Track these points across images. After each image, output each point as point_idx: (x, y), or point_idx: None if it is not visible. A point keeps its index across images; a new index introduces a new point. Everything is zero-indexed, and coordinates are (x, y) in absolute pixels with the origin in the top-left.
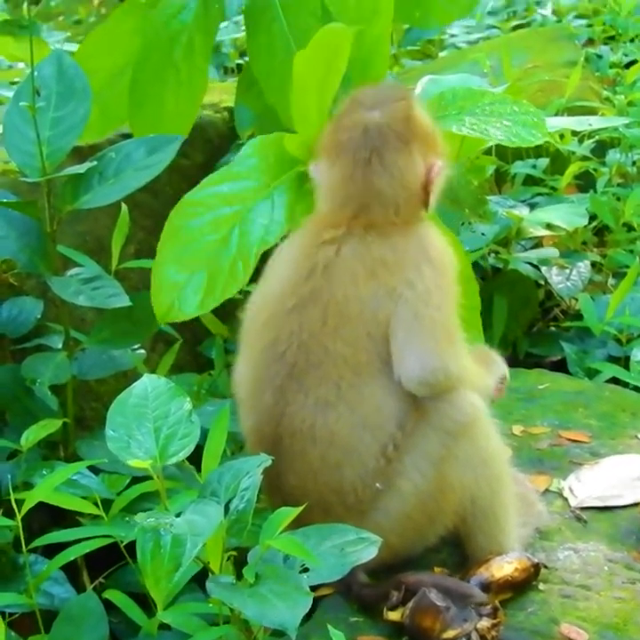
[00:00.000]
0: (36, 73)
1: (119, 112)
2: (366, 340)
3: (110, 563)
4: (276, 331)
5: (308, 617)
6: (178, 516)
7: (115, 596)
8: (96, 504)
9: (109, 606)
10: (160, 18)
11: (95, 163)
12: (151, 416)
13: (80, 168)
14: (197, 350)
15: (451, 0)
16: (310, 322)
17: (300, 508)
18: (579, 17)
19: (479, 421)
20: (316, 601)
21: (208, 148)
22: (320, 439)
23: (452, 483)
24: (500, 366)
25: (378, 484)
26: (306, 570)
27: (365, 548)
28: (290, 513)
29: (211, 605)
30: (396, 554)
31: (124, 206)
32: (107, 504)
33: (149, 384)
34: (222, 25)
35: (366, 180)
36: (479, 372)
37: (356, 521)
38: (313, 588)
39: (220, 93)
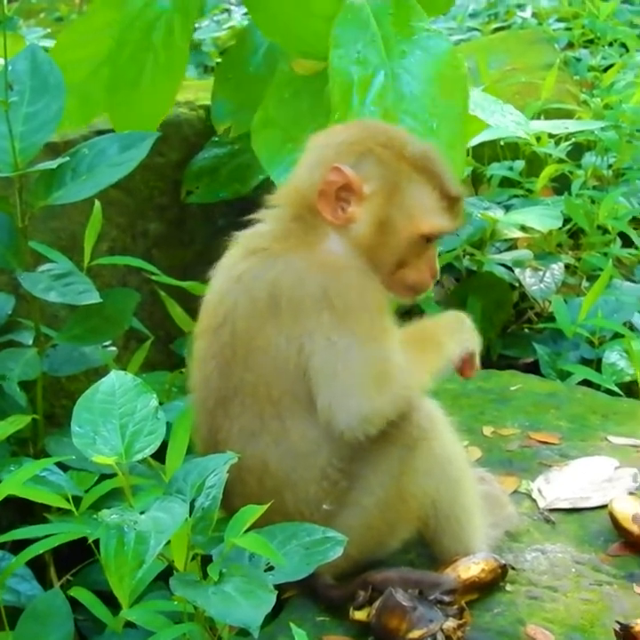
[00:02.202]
0: (9, 68)
1: (99, 102)
2: (275, 375)
3: (79, 561)
4: (204, 348)
5: (274, 617)
6: (142, 513)
7: (80, 593)
8: (67, 500)
9: (77, 604)
10: (138, 3)
11: (68, 158)
12: (117, 412)
13: (52, 164)
14: (170, 348)
15: (428, 2)
16: (224, 347)
17: (265, 507)
18: (559, 20)
19: (437, 431)
20: (283, 601)
21: (183, 145)
22: (253, 467)
23: (413, 492)
24: (467, 337)
25: (325, 506)
26: (271, 568)
27: (330, 548)
28: (255, 511)
29: (176, 603)
30: (357, 563)
31: (97, 203)
32: (76, 501)
33: (116, 380)
34: (203, 23)
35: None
36: (426, 357)
37: None
38: (280, 589)
39: (197, 91)
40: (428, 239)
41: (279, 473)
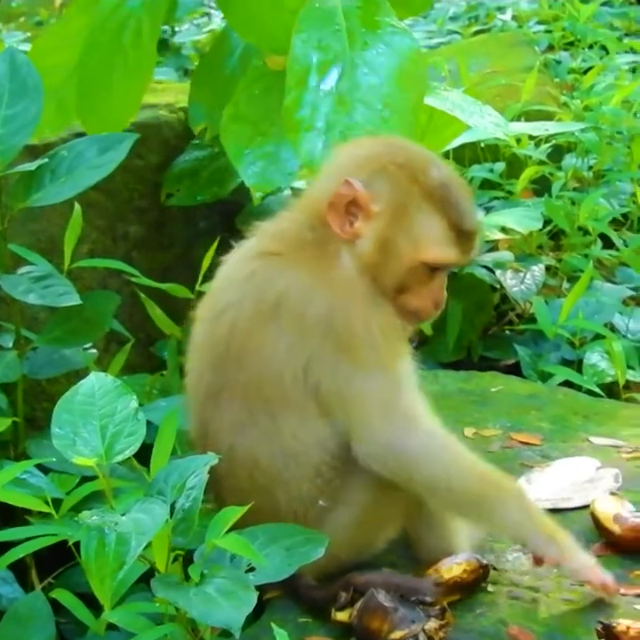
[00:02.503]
0: None
1: (74, 106)
2: (267, 378)
3: (61, 563)
4: (201, 335)
5: (256, 618)
6: (123, 514)
7: (62, 595)
8: (46, 503)
9: (59, 607)
10: (108, 4)
11: (46, 160)
12: (97, 414)
13: (31, 165)
14: (151, 351)
15: (405, 2)
16: (220, 340)
17: (247, 507)
18: (539, 23)
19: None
20: (265, 602)
21: (163, 148)
22: (243, 462)
23: (400, 492)
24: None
25: (321, 502)
26: (252, 569)
27: (312, 549)
28: (236, 511)
29: (158, 605)
30: (341, 564)
31: (77, 206)
32: (57, 504)
33: (96, 382)
34: (183, 27)
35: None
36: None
37: None
38: (262, 590)
39: (176, 94)
40: (433, 268)
41: (270, 469)
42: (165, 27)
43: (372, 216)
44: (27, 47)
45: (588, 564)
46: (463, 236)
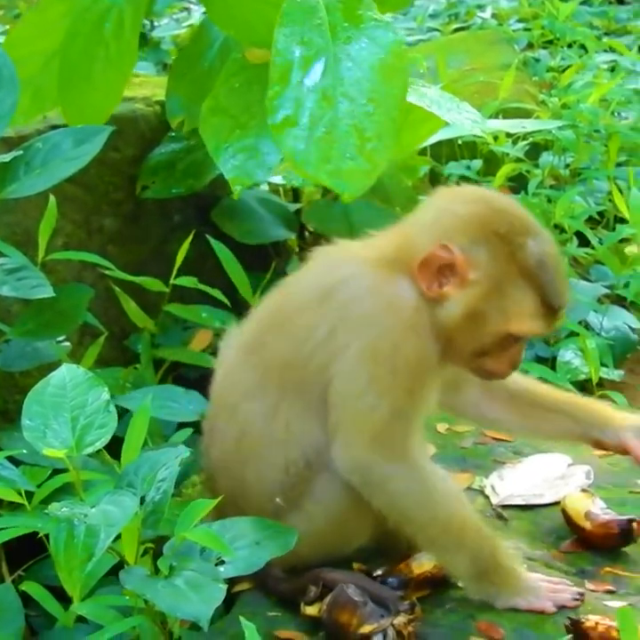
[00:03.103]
0: None
1: (51, 96)
2: (294, 356)
3: (31, 556)
4: (265, 300)
5: (227, 611)
6: (93, 506)
7: (32, 588)
8: (20, 494)
9: (29, 599)
10: None
11: (21, 152)
12: (68, 406)
13: (5, 157)
14: (125, 344)
15: None
16: (274, 304)
17: (216, 501)
18: (519, 21)
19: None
20: (235, 596)
21: (140, 141)
22: (238, 426)
23: (368, 507)
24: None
25: (277, 499)
26: (222, 562)
27: (282, 542)
28: (206, 505)
29: (127, 598)
30: (307, 562)
31: (51, 198)
32: (28, 496)
33: (67, 374)
34: (163, 21)
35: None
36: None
37: None
38: (233, 583)
39: (153, 88)
40: (517, 338)
41: (254, 443)
42: (145, 21)
43: (467, 284)
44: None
45: (534, 603)
46: (553, 310)
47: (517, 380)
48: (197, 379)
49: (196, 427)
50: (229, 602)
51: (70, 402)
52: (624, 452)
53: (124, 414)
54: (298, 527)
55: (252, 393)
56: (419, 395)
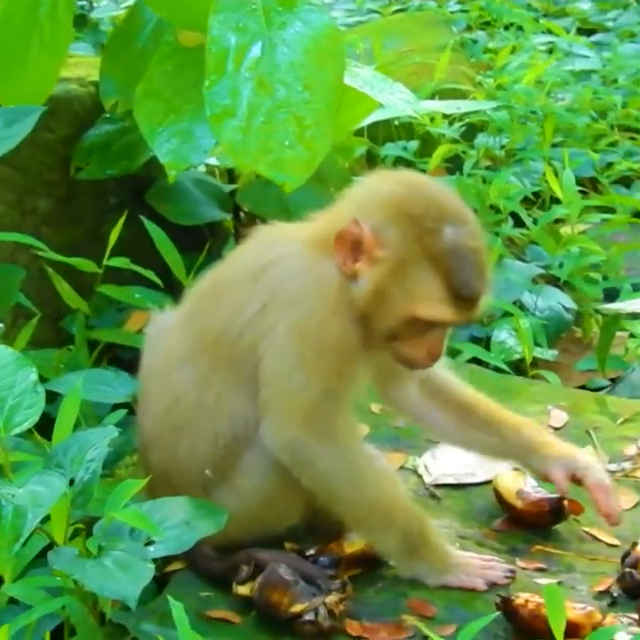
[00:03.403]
0: None
1: None
2: (229, 333)
3: None
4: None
5: (159, 592)
6: (21, 487)
7: None
8: None
9: None
10: None
11: None
12: None
13: None
14: (59, 326)
15: None
16: (210, 280)
17: (145, 480)
18: (458, 3)
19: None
20: (169, 576)
21: (73, 122)
22: (171, 393)
23: (298, 485)
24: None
25: (207, 471)
26: (152, 542)
27: (213, 521)
28: (135, 484)
29: (58, 579)
30: (237, 541)
31: None
32: None
33: None
34: (101, 3)
35: None
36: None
37: None
38: (166, 564)
39: (88, 68)
40: (428, 323)
41: (185, 412)
42: (83, 2)
43: (375, 261)
44: None
45: (465, 580)
46: (461, 299)
47: (463, 390)
48: (132, 360)
49: (130, 408)
50: (163, 582)
51: None
52: (548, 481)
53: (58, 396)
54: (227, 504)
55: (184, 360)
56: (347, 376)
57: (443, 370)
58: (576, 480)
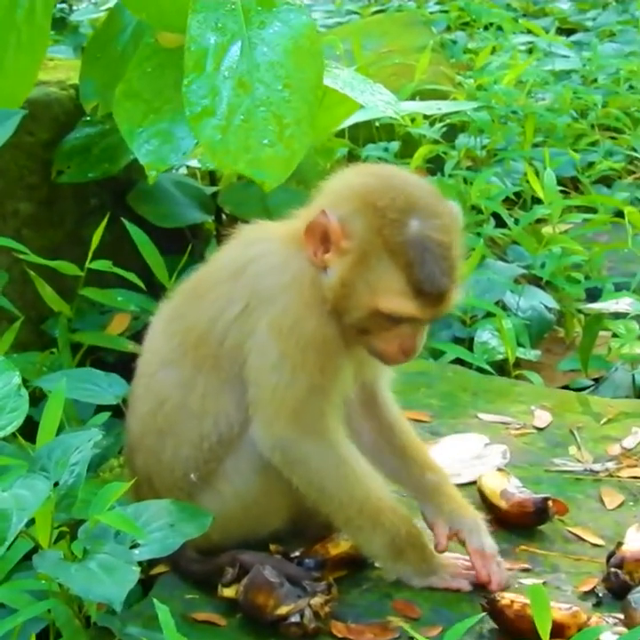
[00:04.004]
0: None
1: None
2: (210, 332)
3: None
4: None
5: (144, 595)
6: (5, 491)
7: None
8: None
9: None
10: None
11: None
12: None
13: None
14: (41, 329)
15: None
16: (194, 280)
17: (130, 483)
18: (437, 3)
19: None
20: (154, 579)
21: (54, 125)
22: (155, 394)
23: (282, 489)
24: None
25: (192, 476)
26: (137, 545)
27: (197, 525)
28: (120, 487)
29: (43, 582)
30: (219, 545)
31: None
32: None
33: None
34: (81, 5)
35: None
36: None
37: None
38: (151, 566)
39: (68, 71)
40: (394, 319)
41: (170, 414)
42: (63, 4)
43: (341, 252)
44: None
45: (450, 581)
46: (424, 294)
47: (395, 414)
48: (115, 363)
49: (115, 411)
50: (148, 585)
51: None
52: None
53: (42, 398)
54: (211, 508)
55: (169, 361)
56: (330, 371)
57: (385, 386)
58: (460, 540)
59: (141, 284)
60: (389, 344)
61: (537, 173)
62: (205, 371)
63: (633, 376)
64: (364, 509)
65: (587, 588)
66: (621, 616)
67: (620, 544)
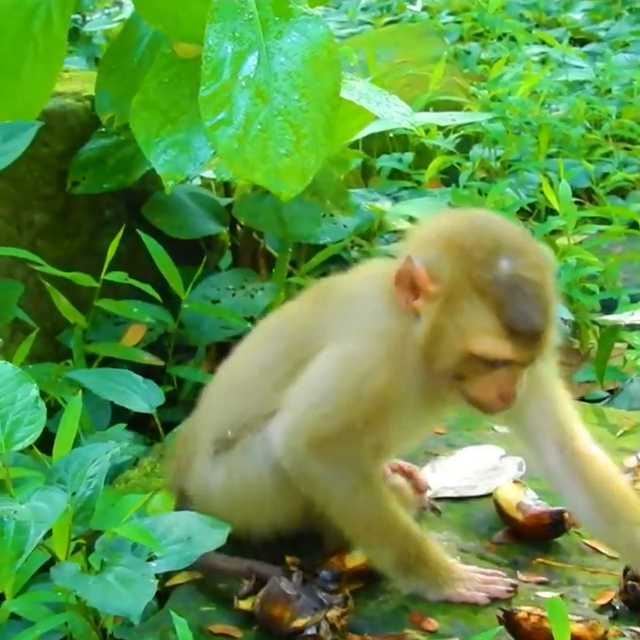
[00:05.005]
0: None
1: None
2: (295, 335)
3: None
4: None
5: (160, 606)
6: (23, 503)
7: None
8: None
9: None
10: None
11: None
12: None
13: None
14: (57, 340)
15: None
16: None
17: (145, 498)
18: (450, 14)
19: None
20: (170, 590)
21: (69, 136)
22: (239, 357)
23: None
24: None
25: (229, 432)
26: (154, 557)
27: (214, 536)
28: (138, 500)
29: (60, 594)
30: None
31: None
32: None
33: None
34: (94, 16)
35: None
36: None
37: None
38: (167, 578)
39: (83, 82)
40: (488, 362)
41: (242, 375)
42: (76, 15)
43: (430, 297)
44: None
45: (466, 595)
46: (518, 333)
47: (603, 466)
48: None
49: (131, 423)
50: (163, 596)
51: None
52: None
53: (58, 410)
54: (225, 478)
55: (268, 338)
56: (372, 424)
57: (584, 434)
58: None
59: (157, 296)
60: (486, 391)
61: (551, 184)
62: (294, 370)
63: None
64: (371, 529)
65: (604, 600)
66: (639, 629)
67: None
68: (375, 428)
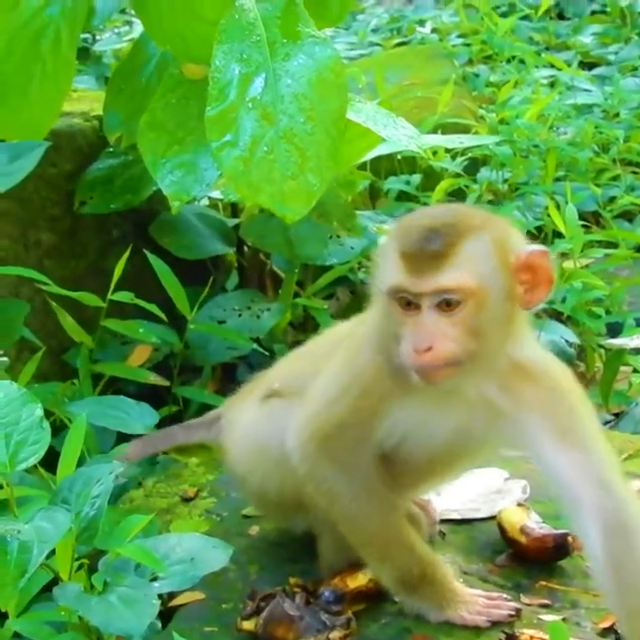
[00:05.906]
0: None
1: None
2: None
3: None
4: None
5: (163, 627)
6: (26, 523)
7: None
8: None
9: None
10: (26, 12)
11: None
12: (2, 422)
13: None
14: (63, 359)
15: (320, 13)
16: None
17: (148, 518)
18: (459, 36)
19: None
20: (173, 611)
21: (77, 156)
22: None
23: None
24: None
25: (277, 384)
26: (157, 578)
27: (216, 558)
28: (140, 521)
29: (62, 614)
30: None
31: None
32: None
33: (1, 390)
34: (104, 35)
35: None
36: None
37: None
38: (170, 598)
39: (91, 102)
40: (401, 302)
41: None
42: (86, 34)
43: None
44: None
45: (467, 618)
46: (408, 256)
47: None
48: (136, 394)
49: None
50: (167, 617)
51: (4, 418)
52: None
53: (62, 429)
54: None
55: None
56: (367, 416)
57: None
58: None
59: (163, 316)
60: (406, 342)
61: (558, 208)
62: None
63: None
64: (374, 541)
65: (606, 624)
66: None
67: None
68: (370, 421)
